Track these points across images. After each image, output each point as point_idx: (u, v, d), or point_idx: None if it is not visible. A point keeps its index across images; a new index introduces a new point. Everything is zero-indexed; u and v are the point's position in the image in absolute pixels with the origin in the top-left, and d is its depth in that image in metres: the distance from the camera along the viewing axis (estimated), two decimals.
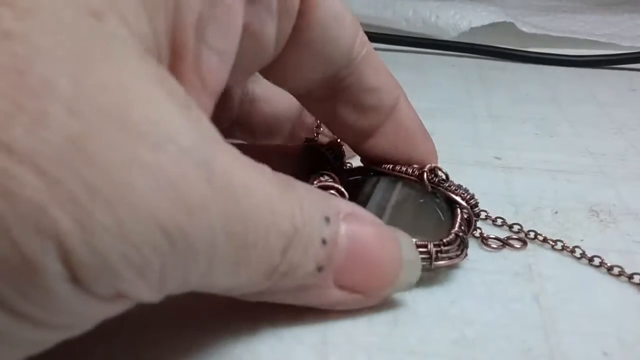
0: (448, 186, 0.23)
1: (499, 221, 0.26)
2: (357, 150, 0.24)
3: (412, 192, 0.23)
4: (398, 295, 0.22)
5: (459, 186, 0.23)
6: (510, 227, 0.26)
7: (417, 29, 0.49)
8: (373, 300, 0.20)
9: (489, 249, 0.24)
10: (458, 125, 0.35)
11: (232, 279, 0.15)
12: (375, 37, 0.48)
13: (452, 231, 0.22)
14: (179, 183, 0.12)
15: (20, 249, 0.11)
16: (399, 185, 0.23)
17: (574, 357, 0.19)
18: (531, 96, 0.40)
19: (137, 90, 0.12)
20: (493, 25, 0.48)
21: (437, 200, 0.23)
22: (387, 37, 0.48)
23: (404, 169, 0.23)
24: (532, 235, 0.25)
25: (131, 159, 0.12)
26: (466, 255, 0.22)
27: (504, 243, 0.25)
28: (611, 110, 0.38)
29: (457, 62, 0.46)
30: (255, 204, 0.15)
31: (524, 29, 0.49)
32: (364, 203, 0.22)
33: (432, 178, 0.23)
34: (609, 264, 0.23)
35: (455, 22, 0.48)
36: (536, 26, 0.50)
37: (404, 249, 0.19)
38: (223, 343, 0.19)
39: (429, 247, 0.21)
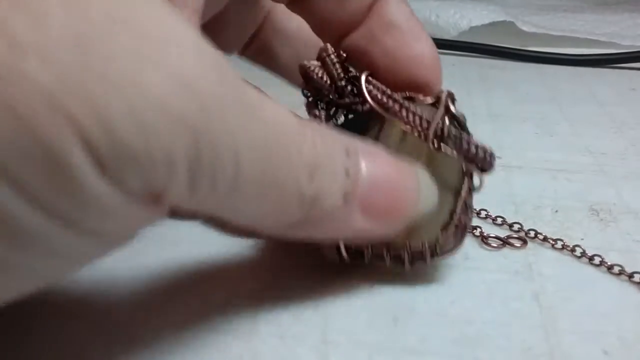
0: (461, 145, 0.20)
1: (499, 220, 0.26)
2: (340, 48, 0.21)
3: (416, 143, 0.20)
4: (398, 295, 0.22)
5: (475, 145, 0.20)
6: (511, 226, 0.26)
7: None
8: (395, 226, 0.19)
9: (489, 248, 0.24)
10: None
11: (261, 202, 0.15)
12: None
13: (452, 222, 0.21)
14: (190, 78, 0.12)
15: (41, 139, 0.11)
16: (406, 138, 0.20)
17: (574, 356, 0.19)
18: (531, 95, 0.40)
19: None
20: (493, 24, 0.48)
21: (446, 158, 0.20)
22: None
23: (410, 116, 0.20)
24: (532, 234, 0.25)
25: (139, 54, 0.12)
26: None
27: (504, 242, 0.25)
28: (611, 109, 0.38)
29: (457, 61, 0.46)
30: (273, 120, 0.15)
31: (524, 28, 0.48)
32: None
33: (441, 134, 0.20)
34: (609, 263, 0.23)
35: (455, 21, 0.48)
36: (536, 25, 0.50)
37: (420, 178, 0.19)
38: (223, 342, 0.20)
39: (423, 250, 0.21)
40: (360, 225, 0.17)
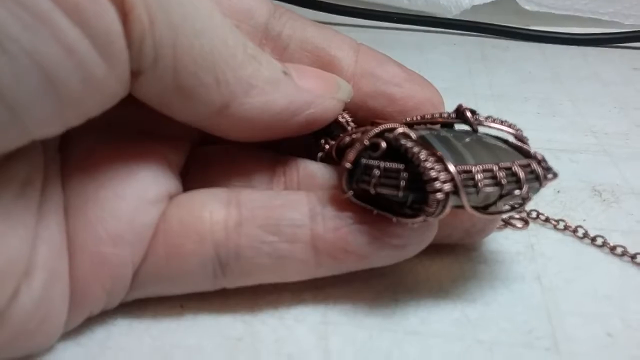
0: (488, 120, 0.20)
1: None
2: None
3: (460, 133, 0.20)
4: (398, 275, 0.21)
5: (500, 120, 0.21)
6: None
7: (418, 7, 0.48)
8: (331, 100, 0.20)
9: None
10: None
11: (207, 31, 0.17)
12: (376, 15, 0.47)
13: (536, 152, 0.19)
14: None
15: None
16: (443, 132, 0.20)
17: (577, 339, 0.19)
18: (533, 75, 0.39)
19: None
20: (495, 2, 0.48)
21: (484, 137, 0.20)
22: (389, 15, 0.47)
23: (435, 115, 0.20)
24: (534, 214, 0.25)
25: None
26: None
27: (506, 223, 0.24)
28: (614, 89, 0.37)
29: (458, 41, 0.46)
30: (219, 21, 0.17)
31: (527, 6, 0.48)
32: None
33: (473, 116, 0.20)
34: (611, 244, 0.23)
35: (457, 0, 0.47)
36: (539, 4, 0.49)
37: (337, 78, 0.21)
38: (223, 324, 0.19)
39: (533, 166, 0.18)
40: (304, 96, 0.19)
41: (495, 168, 0.17)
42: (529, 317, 0.20)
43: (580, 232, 0.24)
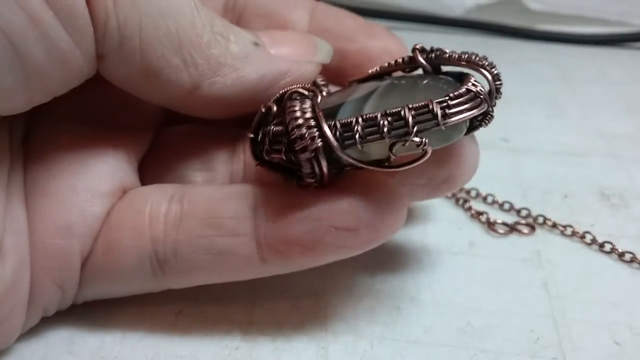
0: (449, 56, 0.18)
1: (507, 206, 0.25)
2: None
3: (403, 79, 0.18)
4: (400, 283, 0.21)
5: (464, 52, 0.19)
6: (518, 211, 0.25)
7: (422, 5, 0.48)
8: (308, 64, 0.19)
9: (495, 234, 0.24)
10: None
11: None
12: (379, 13, 0.46)
13: (462, 87, 0.17)
14: None
15: None
16: (387, 79, 0.18)
17: (584, 347, 0.19)
18: (540, 76, 0.39)
19: None
20: (500, 2, 0.47)
21: (442, 79, 0.18)
22: (392, 13, 0.47)
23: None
24: (540, 220, 0.24)
25: None
26: (490, 117, 0.18)
27: (512, 228, 0.24)
28: (622, 90, 0.37)
29: (462, 40, 0.45)
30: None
31: (532, 6, 0.47)
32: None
33: (428, 55, 0.18)
34: (620, 250, 0.22)
35: None
36: (544, 3, 0.48)
37: (314, 37, 0.21)
38: (219, 332, 0.19)
39: (430, 106, 0.16)
40: (279, 64, 0.19)
41: (378, 116, 0.16)
42: (535, 326, 0.19)
43: (588, 238, 0.23)
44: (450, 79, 0.18)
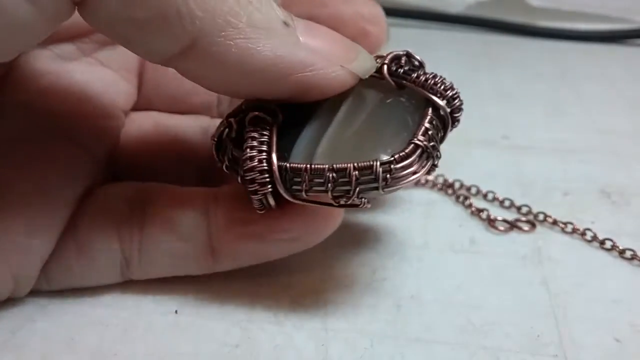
0: (416, 78, 0.18)
1: (507, 203, 0.25)
2: None
3: (370, 94, 0.18)
4: (401, 281, 0.21)
5: (433, 76, 0.18)
6: (519, 208, 0.25)
7: (422, 2, 0.48)
8: (340, 70, 0.17)
9: (496, 231, 0.24)
10: (464, 103, 0.34)
11: None
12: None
13: (411, 140, 0.17)
14: None
15: None
16: (356, 89, 0.18)
17: (585, 344, 0.19)
18: (540, 73, 0.39)
19: None
20: None
21: (405, 99, 0.18)
22: (392, 10, 0.46)
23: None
24: (541, 217, 0.24)
25: None
26: (434, 167, 0.18)
27: (512, 225, 0.24)
28: (623, 87, 0.37)
29: (463, 37, 0.45)
30: None
31: (533, 2, 0.47)
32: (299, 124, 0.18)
33: (396, 69, 0.18)
34: (621, 247, 0.22)
35: None
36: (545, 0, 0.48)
37: (359, 47, 0.18)
38: (220, 330, 0.19)
39: (374, 167, 0.16)
40: (304, 55, 0.16)
41: (325, 169, 0.17)
42: (536, 323, 0.19)
43: (589, 235, 0.23)
44: (413, 102, 0.18)
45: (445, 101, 0.18)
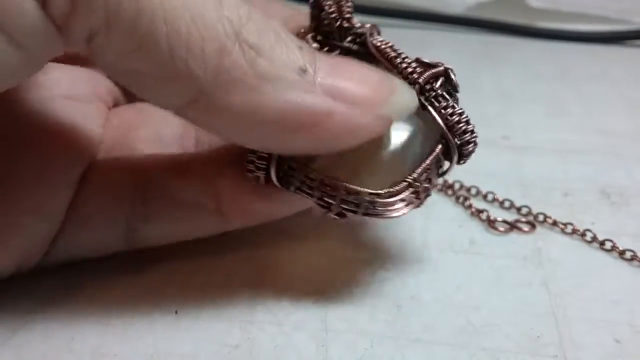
0: (442, 108, 0.18)
1: (507, 203, 0.25)
2: None
3: None
4: (401, 282, 0.21)
5: (459, 113, 0.18)
6: (519, 209, 0.25)
7: (423, 3, 0.48)
8: (366, 115, 0.15)
9: (496, 232, 0.24)
10: (464, 103, 0.33)
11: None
12: (380, 11, 0.46)
13: (407, 178, 0.17)
14: None
15: None
16: None
17: (585, 345, 0.19)
18: (541, 73, 0.39)
19: None
20: (501, 0, 0.47)
21: (422, 122, 0.18)
22: (392, 11, 0.46)
23: (405, 68, 0.18)
24: (541, 218, 0.24)
25: None
26: (421, 204, 0.18)
27: (512, 226, 0.24)
28: (623, 88, 0.37)
29: (463, 38, 0.45)
30: None
31: (533, 3, 0.47)
32: None
33: (429, 89, 0.18)
34: (621, 248, 0.22)
35: None
36: (545, 1, 0.48)
37: (395, 80, 0.17)
38: (219, 330, 0.19)
39: (360, 195, 0.17)
40: (322, 104, 0.15)
41: (317, 181, 0.18)
42: (536, 324, 0.19)
43: (589, 236, 0.23)
44: (429, 128, 0.18)
45: (459, 142, 0.18)
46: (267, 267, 0.21)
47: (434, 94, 0.18)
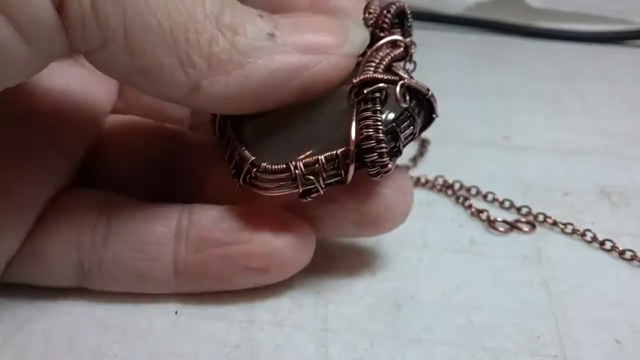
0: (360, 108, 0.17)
1: (507, 203, 0.25)
2: None
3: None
4: (401, 282, 0.21)
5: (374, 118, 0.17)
6: (519, 209, 0.25)
7: (422, 3, 0.48)
8: (334, 57, 0.17)
9: (496, 232, 0.24)
10: (464, 104, 0.34)
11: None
12: None
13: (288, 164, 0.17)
14: None
15: None
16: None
17: (585, 345, 0.19)
18: (540, 73, 0.39)
19: None
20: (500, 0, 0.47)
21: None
22: None
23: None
24: (541, 218, 0.24)
25: None
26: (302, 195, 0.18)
27: (512, 226, 0.24)
28: (623, 88, 0.37)
29: (463, 38, 0.45)
30: None
31: (533, 3, 0.47)
32: None
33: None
34: (621, 248, 0.22)
35: None
36: (545, 0, 0.48)
37: (346, 21, 0.18)
38: (219, 330, 0.19)
39: (245, 162, 0.18)
40: (297, 59, 0.17)
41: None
42: (536, 324, 0.19)
43: (589, 236, 0.23)
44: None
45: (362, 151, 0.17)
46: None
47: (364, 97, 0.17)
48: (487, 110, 0.33)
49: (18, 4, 0.14)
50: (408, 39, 0.19)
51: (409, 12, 0.20)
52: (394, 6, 0.19)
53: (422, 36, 0.47)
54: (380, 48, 0.19)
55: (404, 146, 0.18)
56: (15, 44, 0.14)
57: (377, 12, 0.19)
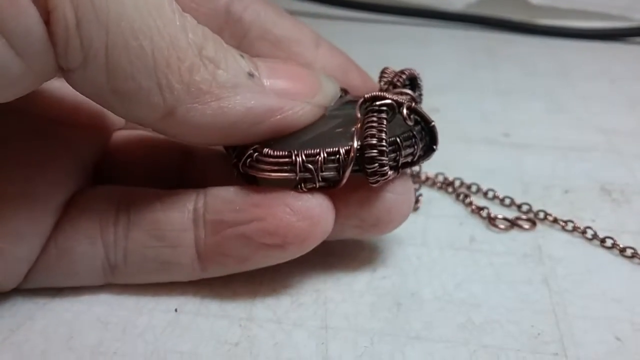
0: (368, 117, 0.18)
1: (507, 201, 0.25)
2: None
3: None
4: (401, 279, 0.21)
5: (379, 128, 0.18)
6: (519, 206, 0.25)
7: (423, 0, 0.47)
8: (306, 105, 0.18)
9: (496, 229, 0.24)
10: (464, 100, 0.34)
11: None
12: (381, 8, 0.46)
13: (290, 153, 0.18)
14: None
15: None
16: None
17: (585, 343, 0.19)
18: (540, 70, 0.39)
19: None
20: None
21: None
22: (393, 8, 0.46)
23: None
24: (541, 215, 0.24)
25: None
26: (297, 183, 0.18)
27: (513, 223, 0.24)
28: (623, 85, 0.37)
29: (462, 35, 0.45)
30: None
31: (533, 0, 0.47)
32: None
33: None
34: (621, 245, 0.22)
35: None
36: None
37: (318, 72, 0.20)
38: (219, 328, 0.19)
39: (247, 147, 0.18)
40: (273, 101, 0.18)
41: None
42: (536, 321, 0.19)
43: (590, 233, 0.23)
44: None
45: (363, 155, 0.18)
46: (267, 267, 0.21)
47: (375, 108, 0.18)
48: (488, 107, 0.33)
49: (8, 17, 0.14)
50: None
51: (420, 80, 0.21)
52: (407, 71, 0.20)
53: (422, 33, 0.48)
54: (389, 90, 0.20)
55: (402, 165, 0.19)
56: (7, 55, 0.14)
57: (392, 75, 0.20)
